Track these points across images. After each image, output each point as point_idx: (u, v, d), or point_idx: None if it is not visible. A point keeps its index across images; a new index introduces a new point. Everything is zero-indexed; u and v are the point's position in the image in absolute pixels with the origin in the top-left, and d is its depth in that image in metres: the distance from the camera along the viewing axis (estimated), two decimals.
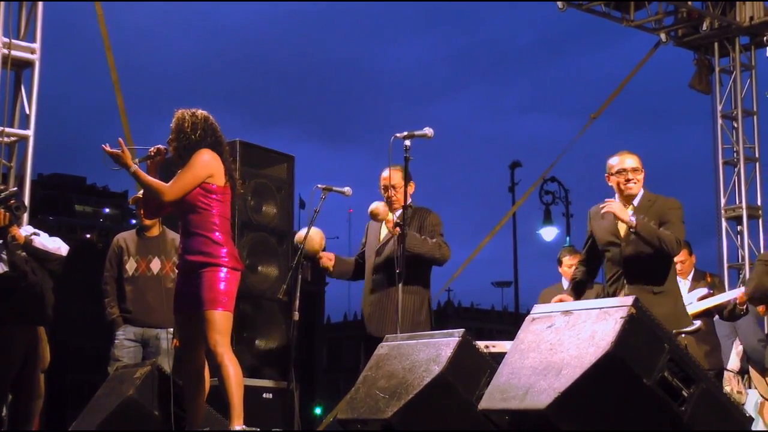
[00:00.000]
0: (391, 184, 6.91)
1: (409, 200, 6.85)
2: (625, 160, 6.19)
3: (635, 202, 6.20)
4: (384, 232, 7.06)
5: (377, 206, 6.84)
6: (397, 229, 6.72)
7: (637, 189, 6.19)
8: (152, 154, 5.81)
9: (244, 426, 5.51)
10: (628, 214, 6.01)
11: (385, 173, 6.97)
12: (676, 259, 8.19)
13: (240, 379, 5.56)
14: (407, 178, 6.75)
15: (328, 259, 7.04)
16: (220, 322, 5.53)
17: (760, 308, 8.21)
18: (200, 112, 5.72)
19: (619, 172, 6.19)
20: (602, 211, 6.12)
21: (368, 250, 7.19)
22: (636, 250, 6.13)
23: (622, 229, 6.10)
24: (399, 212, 6.84)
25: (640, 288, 6.04)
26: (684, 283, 8.20)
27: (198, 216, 5.65)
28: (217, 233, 5.63)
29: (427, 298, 6.96)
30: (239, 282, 5.74)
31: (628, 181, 6.15)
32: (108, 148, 5.59)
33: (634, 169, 6.17)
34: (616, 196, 6.22)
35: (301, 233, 6.87)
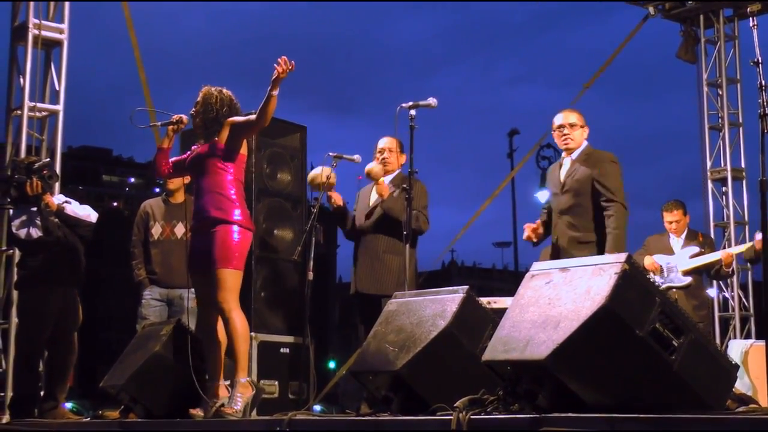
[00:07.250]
0: (387, 147, 7.17)
1: (400, 169, 7.17)
2: (562, 117, 6.28)
3: (574, 155, 6.25)
4: (374, 197, 7.13)
5: (373, 166, 7.04)
6: (386, 189, 6.99)
7: (574, 144, 6.24)
8: (174, 121, 5.81)
9: (248, 378, 5.53)
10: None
11: (383, 140, 7.23)
12: (670, 218, 8.22)
13: (246, 334, 5.55)
14: (402, 148, 7.10)
15: (337, 196, 7.12)
16: (230, 280, 5.50)
17: None
18: (226, 91, 5.73)
19: (559, 127, 6.28)
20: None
21: (358, 214, 7.29)
22: (568, 202, 6.17)
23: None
24: (391, 176, 7.15)
25: (568, 235, 6.12)
26: (677, 241, 8.21)
27: (214, 177, 5.63)
28: (233, 192, 5.62)
29: (412, 258, 6.95)
30: (253, 242, 5.69)
31: (564, 136, 6.23)
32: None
33: (571, 125, 6.24)
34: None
35: (314, 171, 6.97)
